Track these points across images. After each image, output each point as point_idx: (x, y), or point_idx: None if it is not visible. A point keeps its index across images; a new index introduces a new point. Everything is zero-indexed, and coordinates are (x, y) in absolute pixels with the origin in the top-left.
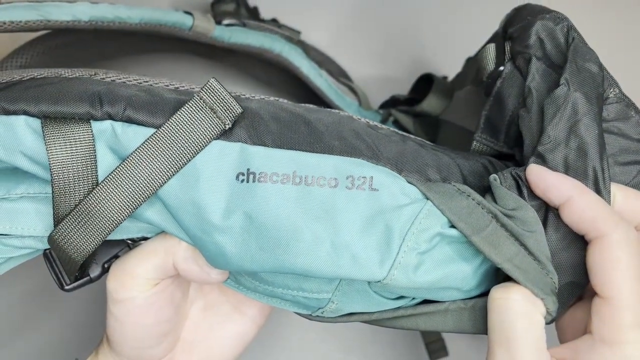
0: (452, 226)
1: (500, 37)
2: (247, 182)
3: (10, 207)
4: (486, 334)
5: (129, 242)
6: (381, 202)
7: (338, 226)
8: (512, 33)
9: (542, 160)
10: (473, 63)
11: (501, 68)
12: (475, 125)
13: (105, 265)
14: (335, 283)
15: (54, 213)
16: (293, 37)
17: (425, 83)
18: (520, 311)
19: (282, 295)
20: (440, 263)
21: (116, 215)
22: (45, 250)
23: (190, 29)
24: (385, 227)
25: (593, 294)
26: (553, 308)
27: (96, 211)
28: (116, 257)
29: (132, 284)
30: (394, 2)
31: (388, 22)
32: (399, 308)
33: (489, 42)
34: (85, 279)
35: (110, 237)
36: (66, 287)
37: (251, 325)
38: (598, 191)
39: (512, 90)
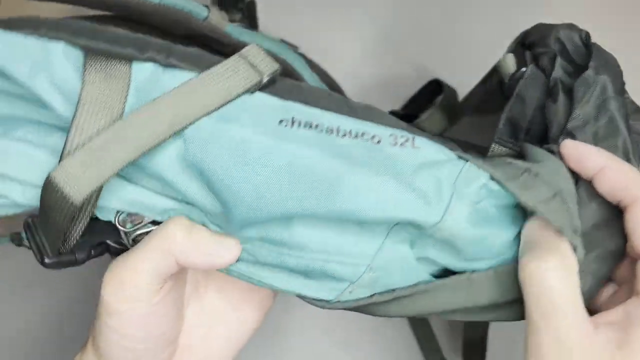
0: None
1: (519, 46)
2: (292, 126)
3: (5, 145)
4: (501, 302)
5: (118, 246)
6: (426, 157)
7: (393, 169)
8: (531, 41)
9: (572, 137)
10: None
11: (523, 69)
12: (493, 130)
13: (92, 252)
14: (378, 243)
15: (64, 148)
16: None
17: (431, 94)
18: (557, 275)
19: (311, 264)
20: (485, 221)
21: (138, 147)
22: (26, 220)
23: (205, 19)
24: (434, 177)
25: (628, 277)
26: (581, 255)
27: (115, 141)
28: (104, 244)
29: (133, 293)
30: (395, 5)
31: (388, 24)
32: (418, 284)
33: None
34: (69, 256)
35: (101, 217)
36: (46, 261)
37: (248, 326)
38: (628, 162)
39: (535, 89)
